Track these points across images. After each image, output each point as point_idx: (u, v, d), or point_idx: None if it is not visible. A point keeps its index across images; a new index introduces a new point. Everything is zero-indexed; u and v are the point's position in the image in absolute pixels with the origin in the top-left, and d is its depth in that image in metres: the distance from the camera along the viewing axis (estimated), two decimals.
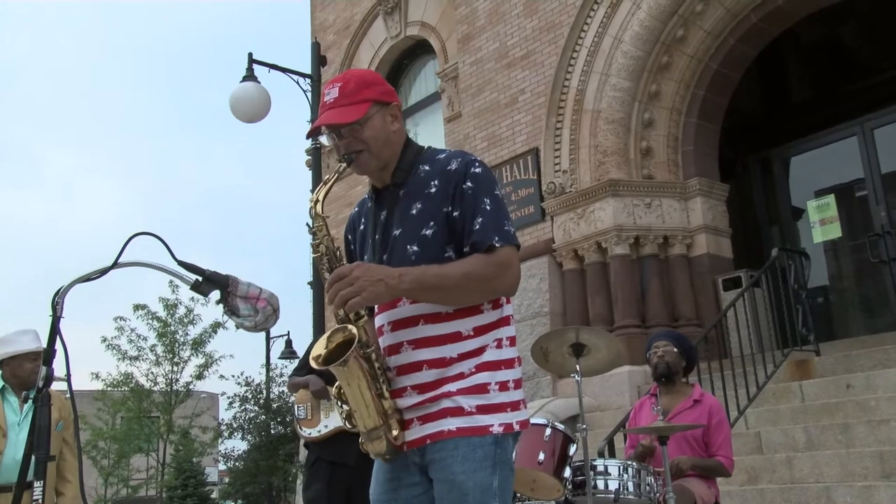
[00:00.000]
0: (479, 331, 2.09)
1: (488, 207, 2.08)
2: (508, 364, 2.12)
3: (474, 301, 2.10)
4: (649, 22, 8.88)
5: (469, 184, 2.10)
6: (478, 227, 2.06)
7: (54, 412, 4.12)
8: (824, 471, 5.72)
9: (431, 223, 2.10)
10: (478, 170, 2.13)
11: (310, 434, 4.63)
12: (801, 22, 9.42)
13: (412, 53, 12.60)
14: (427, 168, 2.18)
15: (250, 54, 9.15)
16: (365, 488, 4.75)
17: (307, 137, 2.47)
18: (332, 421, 4.62)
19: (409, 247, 2.10)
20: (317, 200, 2.09)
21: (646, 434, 4.39)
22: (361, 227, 2.30)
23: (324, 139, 2.24)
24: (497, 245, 2.05)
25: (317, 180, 8.99)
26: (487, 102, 10.21)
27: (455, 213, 2.09)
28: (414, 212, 2.13)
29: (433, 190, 2.13)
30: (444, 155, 2.21)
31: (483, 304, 2.11)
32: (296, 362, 5.21)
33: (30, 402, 4.01)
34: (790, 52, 10.99)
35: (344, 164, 2.14)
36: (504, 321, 2.15)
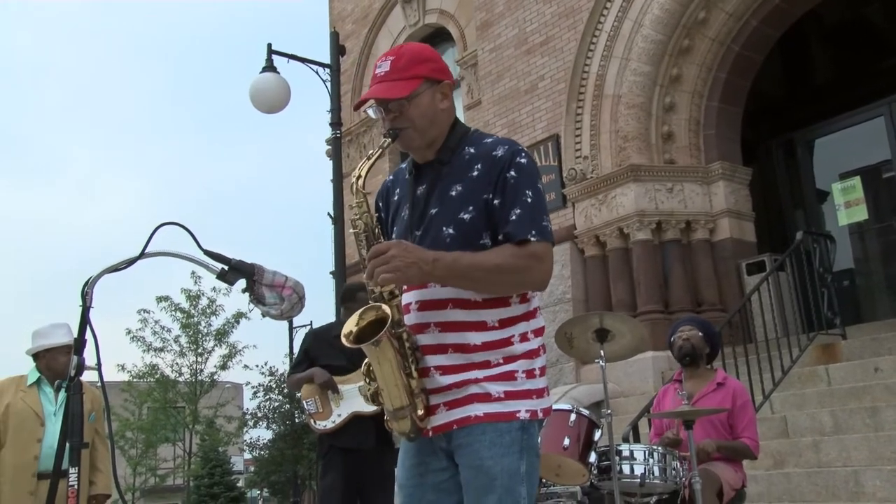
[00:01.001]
0: (504, 323, 2.09)
1: (529, 200, 2.06)
2: (535, 353, 2.13)
3: (504, 292, 2.09)
4: (670, 5, 8.79)
5: (513, 173, 2.08)
6: (514, 218, 2.05)
7: (86, 403, 4.19)
8: (852, 455, 5.67)
9: (470, 207, 2.08)
10: (523, 160, 2.11)
11: (325, 426, 4.62)
12: (824, 2, 9.29)
13: (431, 41, 12.55)
14: (472, 150, 2.16)
15: (269, 45, 9.14)
16: (377, 475, 4.76)
17: (354, 109, 2.49)
18: (343, 409, 4.62)
19: (444, 229, 2.09)
20: (359, 176, 2.08)
21: (671, 419, 4.38)
22: (395, 197, 2.28)
23: (371, 111, 2.22)
24: (532, 239, 2.04)
25: (337, 169, 9.00)
26: (507, 89, 10.18)
27: (495, 202, 2.07)
28: (454, 193, 2.11)
29: (475, 174, 2.11)
30: (490, 140, 2.19)
31: (511, 297, 2.11)
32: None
33: (63, 391, 4.09)
34: (813, 33, 10.84)
35: (388, 140, 2.14)
36: (531, 314, 2.15)
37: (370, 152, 2.13)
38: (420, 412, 2.06)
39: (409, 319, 2.11)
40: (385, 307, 2.02)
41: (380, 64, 2.15)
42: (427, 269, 1.97)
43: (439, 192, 2.14)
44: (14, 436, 4.07)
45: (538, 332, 2.16)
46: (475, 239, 2.07)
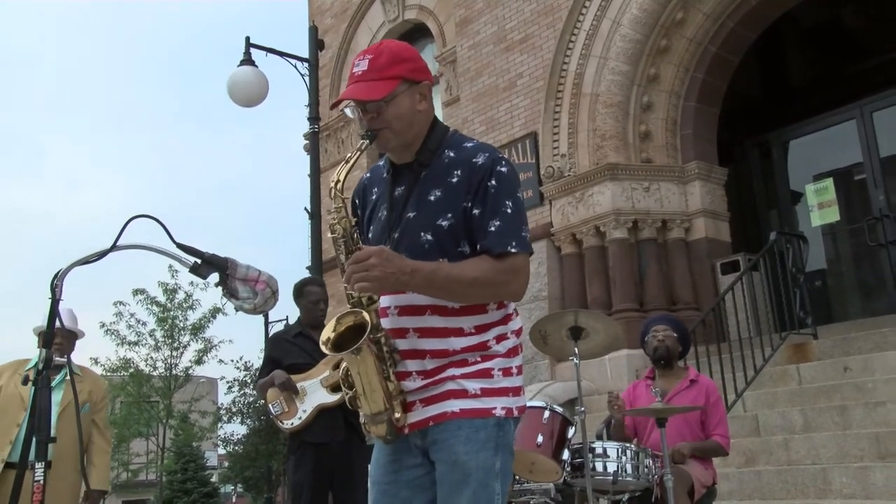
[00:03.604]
0: (481, 329, 2.09)
1: (509, 211, 2.05)
2: (512, 352, 2.13)
3: (480, 302, 2.09)
4: (648, 5, 8.83)
5: (493, 182, 2.06)
6: (494, 229, 2.03)
7: (84, 393, 4.19)
8: (821, 452, 5.75)
9: (449, 215, 2.06)
10: (504, 169, 2.08)
11: (292, 424, 4.65)
12: (800, 4, 9.38)
13: (410, 37, 12.52)
14: (452, 154, 2.13)
15: (247, 38, 9.08)
16: (347, 468, 4.77)
17: (331, 108, 2.44)
18: (308, 404, 4.65)
19: (422, 234, 2.07)
20: (337, 181, 2.03)
21: (644, 417, 4.41)
22: (373, 196, 2.25)
23: (348, 111, 2.18)
24: (512, 251, 2.03)
25: (315, 165, 8.97)
26: (485, 86, 10.18)
27: (475, 211, 2.05)
28: (432, 198, 2.09)
29: (455, 180, 2.08)
30: (471, 144, 2.16)
31: (489, 304, 2.11)
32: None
33: (57, 378, 4.05)
34: (790, 35, 10.95)
35: (366, 141, 2.10)
36: (507, 318, 2.15)
37: (347, 155, 2.08)
38: (397, 415, 2.06)
39: (387, 323, 2.09)
40: (364, 313, 2.00)
41: (358, 62, 2.10)
42: (405, 279, 1.96)
43: (417, 196, 2.11)
44: None
45: (516, 332, 2.17)
46: (453, 246, 2.07)
